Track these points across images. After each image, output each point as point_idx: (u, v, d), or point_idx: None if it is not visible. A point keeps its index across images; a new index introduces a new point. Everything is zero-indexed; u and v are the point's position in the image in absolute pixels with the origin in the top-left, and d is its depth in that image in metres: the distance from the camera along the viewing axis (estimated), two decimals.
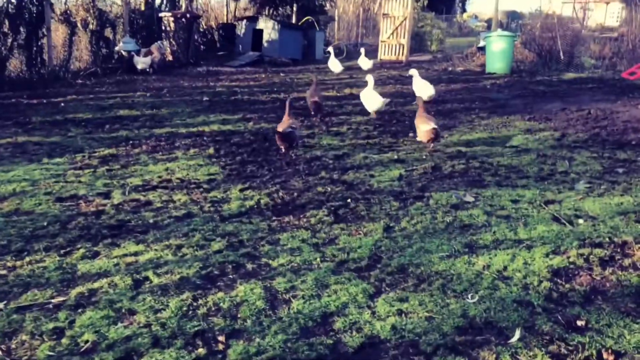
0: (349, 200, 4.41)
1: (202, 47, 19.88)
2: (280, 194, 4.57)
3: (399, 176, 5.08)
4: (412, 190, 4.65)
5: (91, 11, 15.02)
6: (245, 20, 18.51)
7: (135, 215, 4.09)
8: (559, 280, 3.07)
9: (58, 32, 14.88)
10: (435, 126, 5.79)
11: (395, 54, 17.58)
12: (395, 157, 5.78)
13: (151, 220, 3.98)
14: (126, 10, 15.85)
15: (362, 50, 15.38)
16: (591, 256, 3.35)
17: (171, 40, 16.37)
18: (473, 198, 4.44)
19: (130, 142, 6.40)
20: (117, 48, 14.97)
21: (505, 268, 3.21)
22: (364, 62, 14.32)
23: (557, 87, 11.00)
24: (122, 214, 4.11)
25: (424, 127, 5.87)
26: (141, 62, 14.30)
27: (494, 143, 6.38)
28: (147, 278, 3.11)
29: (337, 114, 8.25)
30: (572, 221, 3.95)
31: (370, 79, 7.88)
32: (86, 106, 8.88)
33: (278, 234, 3.75)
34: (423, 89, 8.87)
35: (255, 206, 4.30)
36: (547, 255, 3.36)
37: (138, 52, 14.65)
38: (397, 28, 17.31)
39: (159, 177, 5.03)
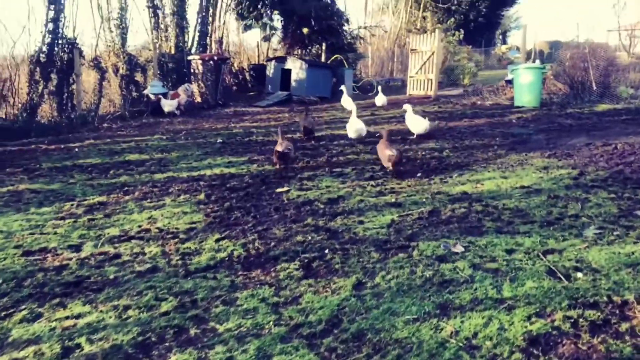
0: (326, 250, 4.10)
1: (234, 87, 20.17)
2: (257, 244, 4.29)
3: (390, 222, 4.74)
4: (399, 239, 4.30)
5: (121, 56, 15.41)
6: (274, 61, 18.66)
7: (98, 270, 3.89)
8: (534, 351, 2.65)
9: (90, 77, 15.32)
10: (395, 152, 6.48)
11: (424, 89, 17.29)
12: (393, 200, 5.44)
13: (112, 276, 3.77)
14: (156, 55, 16.20)
15: (379, 87, 15.19)
16: (581, 319, 2.92)
17: (199, 82, 16.60)
18: (463, 248, 4.05)
19: (125, 188, 6.29)
20: (145, 91, 15.24)
21: (475, 335, 2.81)
22: (379, 99, 14.18)
23: (586, 120, 10.43)
24: (84, 268, 3.91)
25: (387, 152, 6.52)
26: (168, 105, 14.49)
27: (504, 183, 5.95)
28: (78, 345, 2.87)
29: (345, 154, 7.97)
30: (569, 275, 3.51)
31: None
32: (98, 151, 8.92)
33: (238, 291, 3.46)
34: (416, 124, 9.18)
35: (227, 258, 4.04)
36: (528, 318, 2.95)
37: (165, 95, 14.87)
38: (425, 63, 17.05)
39: (139, 226, 4.85)
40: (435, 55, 16.66)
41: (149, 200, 5.68)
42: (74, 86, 13.79)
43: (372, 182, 6.25)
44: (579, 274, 3.52)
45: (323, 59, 20.03)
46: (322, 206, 5.31)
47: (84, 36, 44.34)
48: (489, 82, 19.95)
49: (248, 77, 20.40)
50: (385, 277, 3.58)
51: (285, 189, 6.05)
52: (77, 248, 4.35)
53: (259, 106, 16.45)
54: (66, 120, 13.30)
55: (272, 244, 4.30)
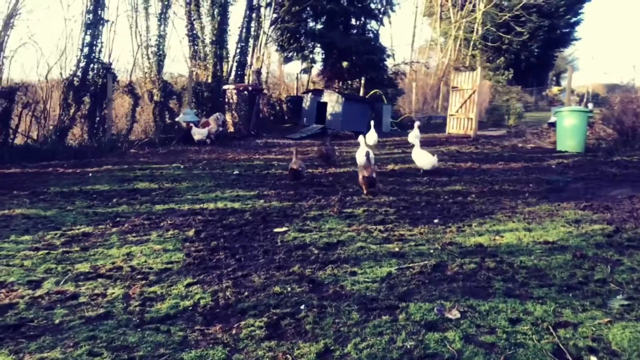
0: (302, 306, 3.59)
1: (270, 118, 20.05)
2: (228, 292, 3.83)
3: (386, 275, 4.19)
4: (389, 298, 3.75)
5: (157, 83, 15.47)
6: (310, 93, 18.45)
7: (46, 312, 3.49)
8: None
9: (124, 102, 15.42)
10: (367, 175, 7.24)
11: (463, 129, 16.65)
12: (397, 249, 4.89)
13: (57, 321, 3.36)
14: (190, 83, 16.21)
15: (417, 124, 14.64)
16: None
17: (233, 112, 16.48)
18: (459, 314, 3.47)
19: (118, 218, 5.96)
20: (177, 119, 15.20)
21: None
22: (412, 136, 13.61)
23: (632, 170, 9.60)
24: (32, 310, 3.53)
25: (360, 174, 7.35)
26: (198, 133, 14.36)
27: (526, 237, 5.32)
28: None
29: (361, 193, 7.47)
30: (580, 357, 2.89)
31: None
32: (110, 177, 8.72)
33: (186, 351, 2.99)
34: (421, 159, 9.18)
35: (190, 308, 3.59)
36: None
37: (197, 123, 14.77)
38: (465, 101, 16.46)
39: (112, 263, 4.46)
40: (476, 93, 16.05)
41: (134, 234, 5.31)
42: (106, 110, 13.87)
43: (380, 227, 5.72)
44: (592, 358, 2.90)
45: (362, 93, 19.70)
46: (316, 252, 4.81)
47: (120, 62, 45.74)
48: (535, 124, 19.17)
49: (285, 109, 20.24)
50: (358, 345, 3.04)
51: (284, 229, 5.59)
52: (37, 284, 3.99)
53: (291, 138, 16.17)
54: (95, 144, 13.32)
55: (245, 293, 3.82)
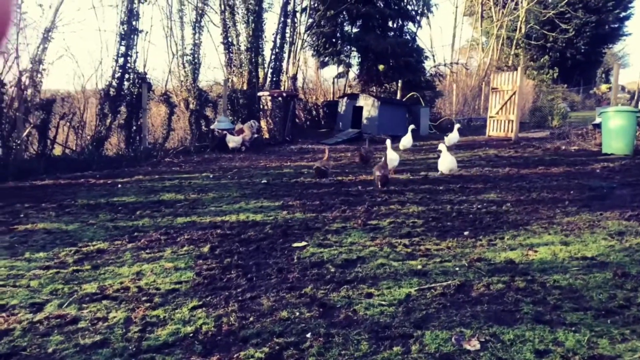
0: (309, 334, 3.34)
1: (306, 124, 19.90)
2: (232, 318, 3.61)
3: (405, 297, 3.90)
4: (404, 324, 3.46)
5: (192, 91, 15.52)
6: (346, 98, 18.20)
7: (42, 339, 3.35)
8: None
9: (160, 111, 15.54)
10: (380, 174, 7.90)
11: (504, 131, 16.06)
12: (420, 266, 4.59)
13: (50, 350, 3.22)
14: (226, 90, 16.21)
15: (456, 126, 14.19)
16: None
17: (268, 118, 16.39)
18: (479, 344, 3.15)
19: (136, 233, 5.85)
20: (212, 126, 15.20)
21: None
22: (450, 138, 13.23)
23: None
24: (27, 336, 3.39)
25: (375, 173, 8.01)
26: (233, 141, 14.33)
27: (562, 251, 4.92)
28: None
29: (389, 203, 7.17)
30: None
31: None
32: (139, 188, 8.68)
33: None
34: (444, 163, 9.23)
35: (191, 335, 3.39)
36: None
37: (231, 131, 14.73)
38: (506, 103, 15.87)
39: (121, 283, 4.32)
40: (516, 94, 15.45)
41: (148, 251, 5.17)
42: (142, 120, 13.98)
43: (406, 241, 5.42)
44: None
45: (398, 96, 19.31)
46: (332, 270, 4.55)
47: (156, 71, 46.56)
48: (580, 125, 18.35)
49: (322, 114, 20.04)
50: None
51: (303, 243, 5.36)
52: (39, 307, 3.86)
53: (325, 144, 15.94)
54: (132, 154, 13.43)
55: (250, 319, 3.60)
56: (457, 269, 4.53)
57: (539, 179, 8.85)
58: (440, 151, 9.24)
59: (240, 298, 3.96)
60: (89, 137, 13.27)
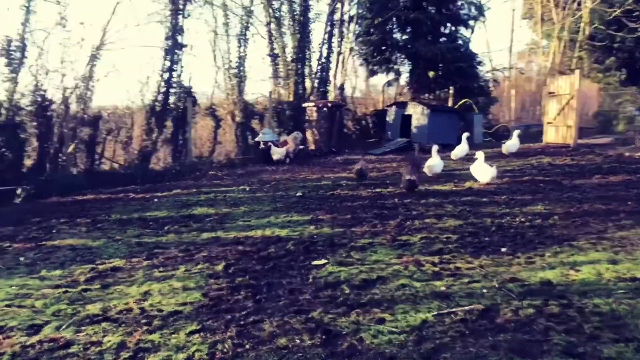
0: None
1: (355, 134, 19.61)
2: (228, 345, 3.34)
3: (420, 324, 3.52)
4: (412, 356, 3.09)
5: (238, 104, 15.57)
6: (394, 106, 17.79)
7: None
8: None
9: (207, 124, 15.66)
10: (407, 178, 8.11)
11: (562, 137, 15.18)
12: (444, 287, 4.18)
13: None
14: (271, 102, 16.16)
15: (515, 133, 13.52)
16: None
17: (313, 129, 16.20)
18: None
19: (156, 250, 5.70)
20: (256, 139, 15.16)
21: None
22: (507, 146, 12.61)
23: None
24: None
25: (403, 177, 8.09)
26: (277, 153, 14.20)
27: (609, 271, 4.39)
28: None
29: (425, 216, 6.75)
30: None
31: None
32: (174, 202, 8.63)
33: None
34: (479, 172, 8.88)
35: None
36: None
37: (276, 143, 14.63)
38: (563, 108, 15.01)
39: (125, 304, 4.14)
40: (575, 99, 14.56)
41: (162, 269, 4.99)
42: (187, 134, 14.10)
43: (435, 258, 5.01)
44: None
45: (450, 103, 18.71)
46: (347, 291, 4.21)
47: (201, 85, 47.40)
48: None
49: (371, 124, 19.68)
50: None
51: (323, 261, 5.05)
52: (37, 330, 3.73)
53: (373, 154, 15.59)
54: (178, 167, 13.56)
55: (247, 346, 3.32)
56: (485, 290, 4.10)
57: (594, 189, 8.17)
58: (476, 159, 8.77)
59: (242, 322, 3.69)
60: (136, 152, 13.49)
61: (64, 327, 3.76)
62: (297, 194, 8.80)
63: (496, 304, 3.81)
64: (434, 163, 9.76)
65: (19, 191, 9.89)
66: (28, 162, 11.29)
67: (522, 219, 6.44)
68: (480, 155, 8.92)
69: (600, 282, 4.15)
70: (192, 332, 3.57)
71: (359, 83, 21.87)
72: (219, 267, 4.95)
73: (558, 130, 15.38)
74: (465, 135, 13.15)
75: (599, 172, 9.71)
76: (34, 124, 11.06)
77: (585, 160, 11.44)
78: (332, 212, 7.27)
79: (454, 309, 3.74)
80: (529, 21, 36.69)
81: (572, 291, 3.99)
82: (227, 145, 16.03)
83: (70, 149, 11.52)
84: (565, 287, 4.08)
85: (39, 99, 11.04)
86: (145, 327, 3.69)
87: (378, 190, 8.95)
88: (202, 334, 3.54)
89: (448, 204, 7.45)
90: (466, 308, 3.76)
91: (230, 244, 5.86)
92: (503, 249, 5.28)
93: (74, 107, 12.22)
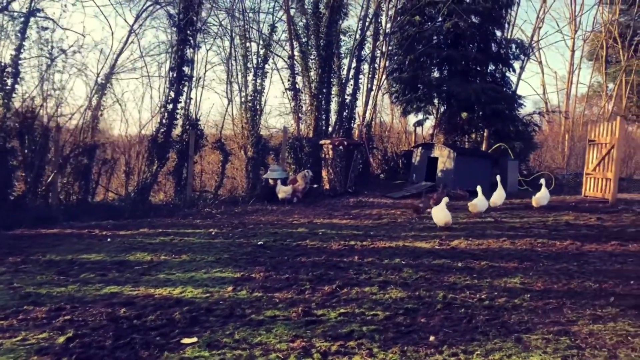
0: None
1: (382, 174, 18.58)
2: None
3: None
4: None
5: (250, 138, 14.94)
6: (420, 147, 16.67)
7: None
8: None
9: (215, 158, 15.09)
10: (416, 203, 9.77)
11: (600, 191, 13.53)
12: None
13: None
14: (285, 138, 15.45)
15: (544, 182, 12.14)
16: None
17: (329, 168, 15.28)
18: None
19: (24, 307, 4.89)
20: (264, 175, 14.43)
21: None
22: (537, 199, 11.38)
23: None
24: None
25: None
26: (282, 191, 13.37)
27: None
28: None
29: (373, 283, 5.65)
30: None
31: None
32: (120, 244, 7.89)
33: None
34: (436, 215, 8.84)
35: None
36: None
37: (285, 180, 13.81)
38: (603, 158, 13.41)
39: None
40: (615, 148, 12.97)
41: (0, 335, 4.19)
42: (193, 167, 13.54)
43: (335, 345, 3.99)
44: None
45: (484, 147, 17.37)
46: None
47: (211, 116, 47.09)
48: None
49: (400, 164, 18.56)
50: None
51: (193, 340, 4.10)
52: None
53: (391, 197, 14.47)
54: (178, 201, 12.98)
55: None
56: None
57: (600, 260, 6.80)
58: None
59: None
60: (134, 184, 13.02)
61: None
62: (259, 243, 7.88)
63: None
64: (477, 202, 10.25)
65: None
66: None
67: (484, 296, 5.25)
68: (444, 200, 8.98)
69: None
70: None
71: (388, 121, 20.89)
72: (61, 340, 4.07)
73: (597, 182, 13.76)
74: (497, 177, 12.08)
75: (619, 237, 8.21)
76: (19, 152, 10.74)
77: (612, 221, 9.87)
78: (272, 270, 6.29)
79: None
80: (592, 62, 34.67)
81: None
82: (239, 179, 15.38)
83: (50, 178, 11.11)
84: None
85: (26, 125, 10.72)
86: None
87: (352, 243, 7.90)
88: None
89: (410, 268, 6.32)
90: None
91: (118, 304, 4.99)
92: (431, 338, 4.16)
93: (66, 135, 11.89)
